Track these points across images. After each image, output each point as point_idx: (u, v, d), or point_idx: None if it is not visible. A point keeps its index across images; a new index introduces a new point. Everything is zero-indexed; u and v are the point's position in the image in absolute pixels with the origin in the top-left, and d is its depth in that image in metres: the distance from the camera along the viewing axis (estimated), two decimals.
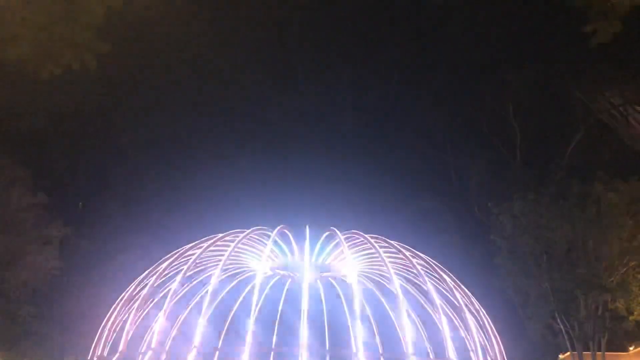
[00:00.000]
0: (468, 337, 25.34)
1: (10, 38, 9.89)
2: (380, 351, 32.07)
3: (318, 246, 28.51)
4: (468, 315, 23.94)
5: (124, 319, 24.64)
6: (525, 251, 41.60)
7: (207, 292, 22.71)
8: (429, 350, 29.09)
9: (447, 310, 25.37)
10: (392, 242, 26.37)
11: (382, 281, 30.48)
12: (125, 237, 46.41)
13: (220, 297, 31.80)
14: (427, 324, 28.60)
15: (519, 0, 53.48)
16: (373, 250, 25.59)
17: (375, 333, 32.76)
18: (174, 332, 30.25)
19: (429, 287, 23.33)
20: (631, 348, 43.20)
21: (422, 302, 28.47)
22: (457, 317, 25.92)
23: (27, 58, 10.43)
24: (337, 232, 26.07)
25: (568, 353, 41.77)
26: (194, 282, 29.01)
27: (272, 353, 34.64)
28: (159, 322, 21.59)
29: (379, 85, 73.82)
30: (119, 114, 57.17)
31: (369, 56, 71.08)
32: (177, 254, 25.74)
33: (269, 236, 26.32)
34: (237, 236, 25.74)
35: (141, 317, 25.29)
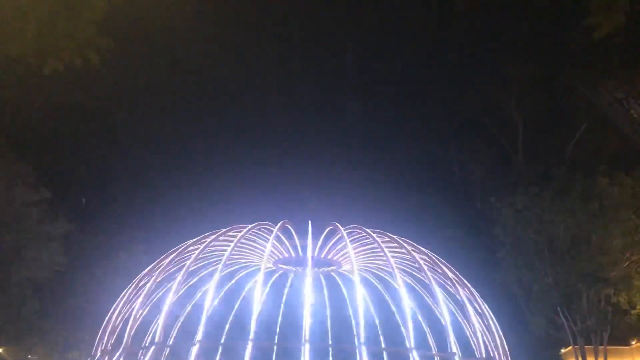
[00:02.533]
0: (470, 330, 25.39)
1: (13, 34, 9.91)
2: (383, 344, 32.14)
3: (320, 241, 28.52)
4: (470, 309, 23.94)
5: (127, 314, 24.73)
6: (528, 245, 41.59)
7: (209, 287, 22.74)
8: (431, 344, 29.13)
9: (449, 304, 25.38)
10: (394, 236, 26.36)
11: (384, 275, 30.53)
12: (128, 232, 46.56)
13: (222, 292, 31.92)
14: (430, 318, 28.64)
15: None
16: (375, 245, 25.61)
17: (378, 327, 32.83)
18: (177, 327, 30.40)
19: (431, 280, 23.32)
20: (633, 342, 43.26)
21: (425, 295, 28.51)
22: (459, 311, 25.95)
23: (30, 54, 10.45)
24: (339, 226, 26.07)
25: (570, 347, 41.82)
26: (197, 278, 29.08)
27: (275, 348, 34.72)
28: (162, 317, 21.66)
29: (381, 80, 73.79)
30: (122, 109, 57.33)
31: (371, 51, 71.02)
32: (180, 249, 25.78)
33: (271, 231, 26.34)
34: (240, 231, 25.76)
35: (145, 312, 25.37)
